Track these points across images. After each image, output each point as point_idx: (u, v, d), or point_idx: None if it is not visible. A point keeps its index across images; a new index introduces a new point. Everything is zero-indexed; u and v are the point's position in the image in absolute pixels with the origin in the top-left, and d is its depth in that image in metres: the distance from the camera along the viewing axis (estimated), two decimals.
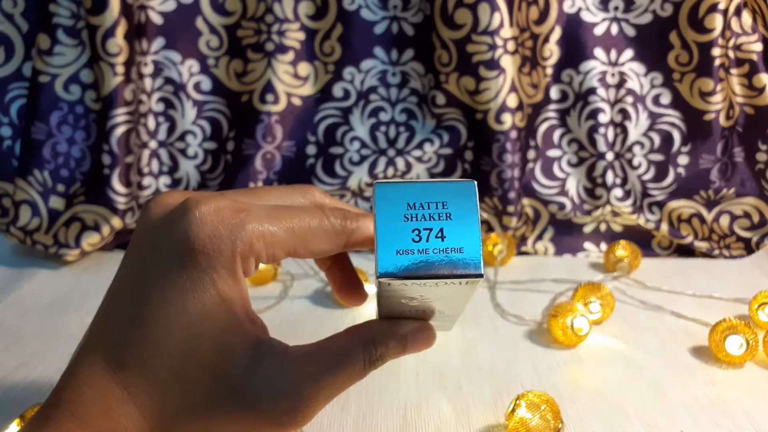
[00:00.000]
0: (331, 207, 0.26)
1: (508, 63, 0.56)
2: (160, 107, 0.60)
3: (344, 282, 0.31)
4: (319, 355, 0.24)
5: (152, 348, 0.23)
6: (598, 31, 0.60)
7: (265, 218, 0.24)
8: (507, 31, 0.56)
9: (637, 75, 0.61)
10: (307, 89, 0.61)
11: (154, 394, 0.23)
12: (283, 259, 0.25)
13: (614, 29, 0.60)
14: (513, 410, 0.32)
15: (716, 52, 0.57)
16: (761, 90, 0.58)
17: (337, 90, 0.61)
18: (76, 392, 0.22)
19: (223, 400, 0.23)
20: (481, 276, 0.21)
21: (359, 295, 0.31)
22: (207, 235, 0.23)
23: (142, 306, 0.23)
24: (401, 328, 0.26)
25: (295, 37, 0.60)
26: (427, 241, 0.21)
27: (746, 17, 0.58)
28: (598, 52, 0.60)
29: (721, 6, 0.56)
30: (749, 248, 0.60)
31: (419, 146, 0.60)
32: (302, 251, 0.25)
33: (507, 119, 0.57)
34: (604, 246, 0.61)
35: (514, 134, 0.58)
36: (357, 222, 0.26)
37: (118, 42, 0.54)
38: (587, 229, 0.62)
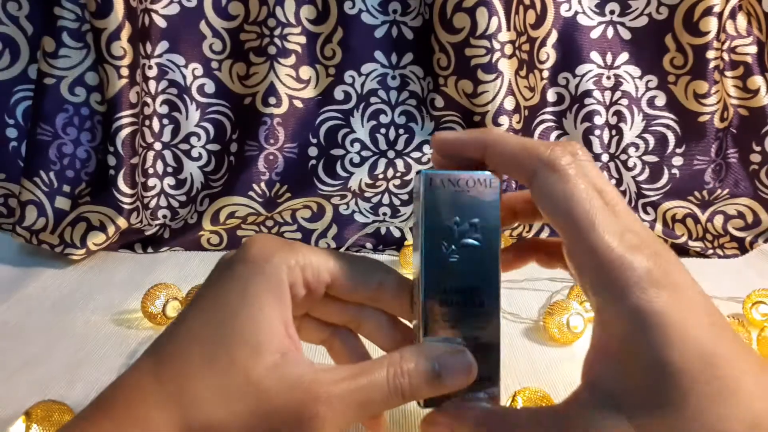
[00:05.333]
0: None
1: (506, 66, 0.57)
2: (164, 109, 0.61)
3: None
4: (343, 368, 0.25)
5: (185, 337, 0.24)
6: (594, 34, 0.61)
7: (310, 253, 0.26)
8: (504, 35, 0.57)
9: (632, 77, 0.62)
10: (309, 92, 0.62)
11: (182, 379, 0.23)
12: (323, 292, 0.27)
13: (610, 32, 0.61)
14: None
15: (711, 54, 0.58)
16: (755, 92, 0.59)
17: (338, 93, 0.62)
18: (119, 390, 0.24)
19: (240, 397, 0.23)
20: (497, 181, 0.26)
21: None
22: (258, 247, 0.26)
23: (188, 307, 0.26)
24: (431, 351, 0.25)
25: (296, 40, 0.60)
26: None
27: (741, 20, 0.59)
28: (594, 55, 0.61)
29: (716, 9, 0.57)
30: (743, 248, 0.61)
31: (418, 148, 0.61)
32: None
33: (504, 121, 0.58)
34: None
35: None
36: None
37: (122, 45, 0.54)
38: None
